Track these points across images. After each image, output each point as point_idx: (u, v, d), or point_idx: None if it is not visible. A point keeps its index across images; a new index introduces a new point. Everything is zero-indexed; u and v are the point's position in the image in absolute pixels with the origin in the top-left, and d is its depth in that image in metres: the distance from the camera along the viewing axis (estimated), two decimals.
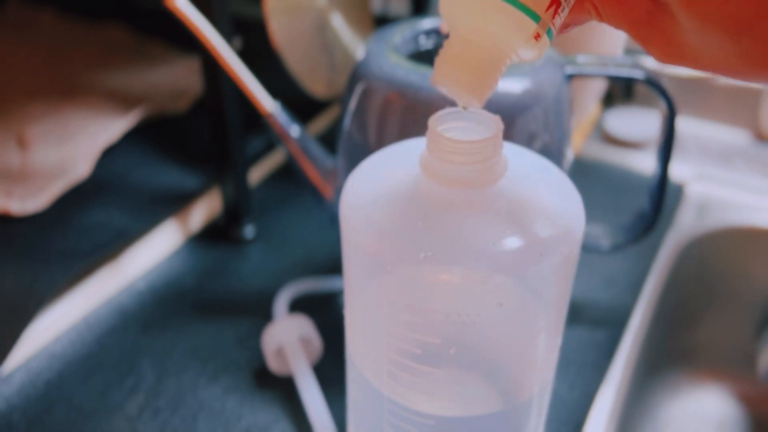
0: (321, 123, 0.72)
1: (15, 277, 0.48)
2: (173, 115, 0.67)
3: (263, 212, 0.62)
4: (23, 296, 0.47)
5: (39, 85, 0.68)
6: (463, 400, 0.31)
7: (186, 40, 0.57)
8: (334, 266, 0.56)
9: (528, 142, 0.41)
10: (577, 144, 0.73)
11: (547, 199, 0.30)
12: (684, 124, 0.77)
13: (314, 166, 0.47)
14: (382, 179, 0.31)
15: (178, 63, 0.74)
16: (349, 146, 0.44)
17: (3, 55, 0.74)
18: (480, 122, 0.29)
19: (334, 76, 0.66)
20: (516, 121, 0.40)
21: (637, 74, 0.43)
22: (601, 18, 0.26)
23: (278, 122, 0.47)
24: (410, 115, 0.40)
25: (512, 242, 0.27)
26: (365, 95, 0.42)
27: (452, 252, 0.27)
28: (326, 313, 0.51)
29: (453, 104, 0.29)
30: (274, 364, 0.46)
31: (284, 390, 0.46)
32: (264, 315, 0.51)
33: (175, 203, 0.57)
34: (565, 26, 0.26)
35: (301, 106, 0.65)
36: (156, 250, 0.56)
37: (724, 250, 0.63)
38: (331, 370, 0.46)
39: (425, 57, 0.46)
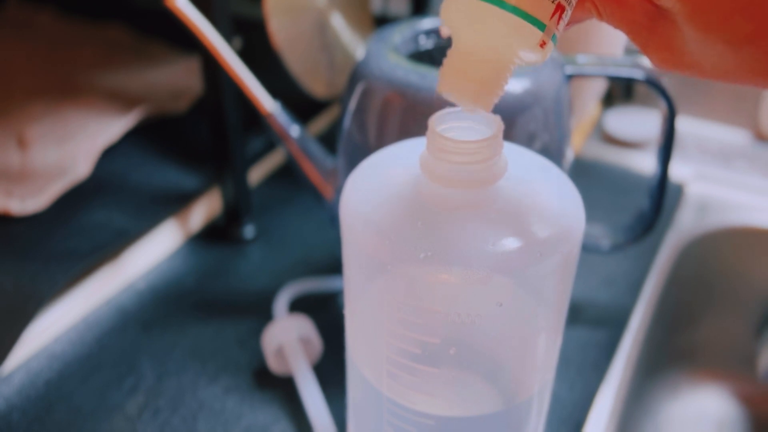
0: (321, 123, 0.72)
1: (15, 277, 0.48)
2: (173, 115, 0.67)
3: (263, 212, 0.62)
4: (23, 296, 0.47)
5: (39, 85, 0.68)
6: (463, 400, 0.31)
7: (186, 40, 0.57)
8: (334, 266, 0.56)
9: (528, 142, 0.41)
10: (577, 144, 0.73)
11: (547, 199, 0.30)
12: (684, 124, 0.77)
13: (314, 166, 0.47)
14: (382, 179, 0.31)
15: (178, 63, 0.74)
16: (349, 146, 0.44)
17: (3, 55, 0.74)
18: (480, 122, 0.29)
19: (334, 76, 0.66)
20: (516, 121, 0.40)
21: (637, 74, 0.43)
22: (601, 17, 0.26)
23: (278, 122, 0.47)
24: (410, 115, 0.40)
25: (512, 242, 0.27)
26: (365, 95, 0.42)
27: (452, 252, 0.27)
28: (326, 313, 0.51)
29: (453, 104, 0.29)
30: (274, 364, 0.46)
31: (284, 390, 0.46)
32: (264, 315, 0.51)
33: (175, 203, 0.57)
34: (566, 24, 0.26)
35: (301, 106, 0.65)
36: (156, 250, 0.56)
37: (724, 250, 0.63)
38: (331, 370, 0.46)
39: (425, 57, 0.46)
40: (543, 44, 0.25)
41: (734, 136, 0.75)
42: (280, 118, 0.47)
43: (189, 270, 0.56)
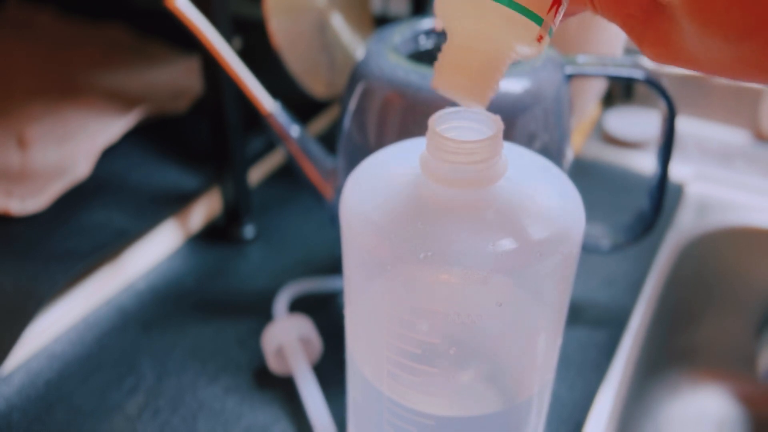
0: (321, 123, 0.72)
1: (15, 277, 0.48)
2: (173, 115, 0.67)
3: (263, 212, 0.62)
4: (23, 296, 0.47)
5: (39, 85, 0.68)
6: (463, 400, 0.31)
7: (186, 40, 0.57)
8: (334, 266, 0.56)
9: (528, 142, 0.41)
10: (577, 144, 0.73)
11: (547, 199, 0.30)
12: (684, 124, 0.77)
13: (314, 166, 0.47)
14: (382, 179, 0.31)
15: (178, 63, 0.74)
16: (349, 146, 0.44)
17: (3, 55, 0.74)
18: (480, 122, 0.29)
19: (334, 76, 0.66)
20: (516, 121, 0.40)
21: (637, 74, 0.43)
22: (596, 10, 0.25)
23: (278, 122, 0.47)
24: (410, 115, 0.40)
25: (512, 242, 0.27)
26: (365, 95, 0.42)
27: (452, 252, 0.27)
28: (326, 313, 0.51)
29: (453, 104, 0.29)
30: (274, 364, 0.46)
31: (284, 390, 0.46)
32: (264, 315, 0.51)
33: (175, 203, 0.57)
34: (561, 18, 0.26)
35: (301, 106, 0.65)
36: (156, 250, 0.56)
37: (724, 250, 0.63)
38: (331, 370, 0.46)
39: (425, 57, 0.46)
40: (540, 38, 0.24)
41: (734, 136, 0.75)
42: (280, 118, 0.47)
43: (189, 270, 0.56)
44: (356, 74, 0.43)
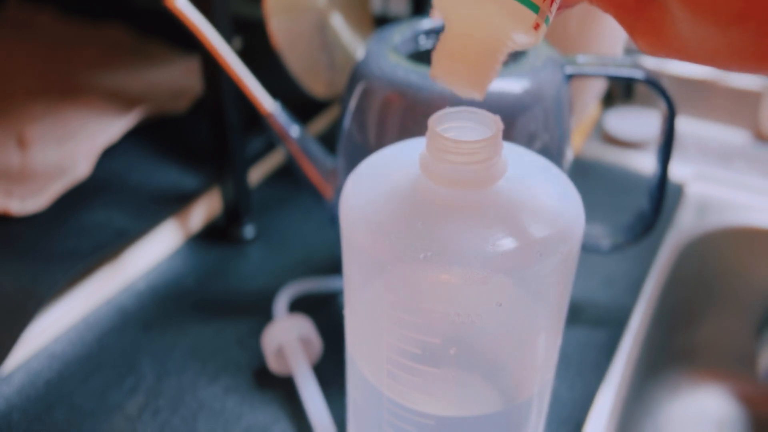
0: (321, 123, 0.72)
1: (15, 277, 0.48)
2: (173, 115, 0.67)
3: (263, 212, 0.62)
4: (23, 296, 0.47)
5: (39, 85, 0.68)
6: (463, 400, 0.31)
7: (186, 40, 0.57)
8: (334, 266, 0.56)
9: (528, 142, 0.41)
10: (577, 144, 0.73)
11: (547, 199, 0.30)
12: (684, 124, 0.77)
13: (314, 166, 0.47)
14: (382, 179, 0.31)
15: (178, 63, 0.74)
16: (349, 146, 0.44)
17: (3, 55, 0.74)
18: (480, 122, 0.29)
19: (334, 76, 0.66)
20: (516, 121, 0.40)
21: (637, 74, 0.43)
22: (590, 0, 0.25)
23: (278, 122, 0.47)
24: (410, 115, 0.40)
25: (512, 242, 0.27)
26: (365, 95, 0.42)
27: (452, 252, 0.27)
28: (326, 313, 0.51)
29: (453, 104, 0.29)
30: (274, 364, 0.46)
31: (284, 390, 0.46)
32: (264, 315, 0.51)
33: (175, 203, 0.57)
34: (557, 8, 0.26)
35: (301, 106, 0.65)
36: (156, 250, 0.56)
37: (724, 250, 0.63)
38: (331, 370, 0.46)
39: (425, 57, 0.46)
40: (537, 26, 0.24)
41: (734, 136, 0.75)
42: (280, 118, 0.47)
43: (189, 270, 0.56)
44: (356, 74, 0.43)
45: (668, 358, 0.65)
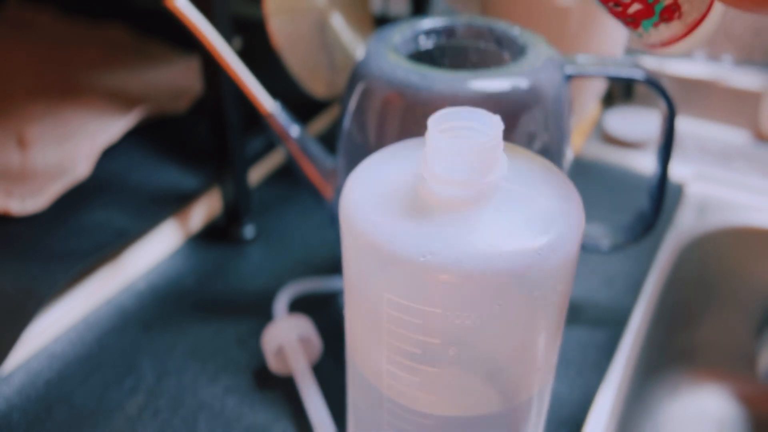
0: (321, 123, 0.72)
1: (15, 277, 0.48)
2: (173, 115, 0.67)
3: (263, 212, 0.62)
4: (23, 296, 0.47)
5: (39, 85, 0.68)
6: (463, 400, 0.31)
7: (186, 40, 0.57)
8: (334, 266, 0.56)
9: (528, 142, 0.41)
10: (577, 144, 0.73)
11: (547, 199, 0.30)
12: (684, 124, 0.77)
13: (314, 166, 0.47)
14: (382, 179, 0.31)
15: (178, 63, 0.74)
16: (349, 146, 0.44)
17: (3, 55, 0.74)
18: (480, 122, 0.29)
19: (334, 76, 0.66)
20: (516, 121, 0.40)
21: (637, 74, 0.43)
22: None
23: (278, 122, 0.47)
24: (410, 115, 0.40)
25: (512, 243, 0.27)
26: (365, 95, 0.42)
27: (452, 252, 0.27)
28: (326, 313, 0.51)
29: (453, 104, 0.29)
30: (274, 364, 0.46)
31: (284, 390, 0.46)
32: (264, 315, 0.51)
33: (175, 203, 0.57)
34: None
35: (301, 106, 0.65)
36: (156, 250, 0.56)
37: (724, 250, 0.63)
38: (331, 370, 0.46)
39: (425, 57, 0.46)
40: None
41: (734, 136, 0.75)
42: (280, 118, 0.47)
43: (189, 270, 0.56)
44: (356, 74, 0.43)
45: (668, 357, 0.65)
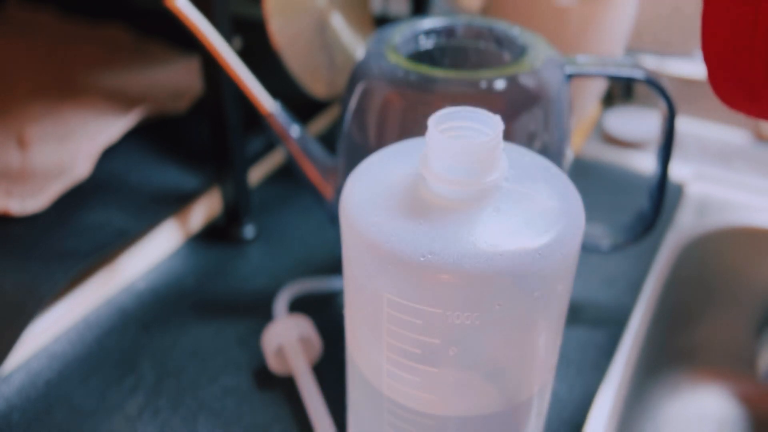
0: (321, 123, 0.72)
1: (15, 277, 0.48)
2: (173, 115, 0.67)
3: (263, 212, 0.62)
4: (23, 296, 0.47)
5: (39, 85, 0.68)
6: (462, 400, 0.31)
7: (186, 40, 0.57)
8: (334, 266, 0.56)
9: (528, 142, 0.41)
10: (577, 144, 0.73)
11: (547, 199, 0.30)
12: (684, 124, 0.77)
13: (314, 166, 0.47)
14: (382, 179, 0.31)
15: (178, 63, 0.74)
16: (349, 146, 0.44)
17: (3, 55, 0.74)
18: (480, 122, 0.29)
19: (334, 76, 0.66)
20: (516, 121, 0.40)
21: (637, 74, 0.43)
22: None
23: (278, 122, 0.47)
24: (410, 115, 0.40)
25: (512, 242, 0.27)
26: (365, 95, 0.42)
27: (452, 252, 0.27)
28: (326, 313, 0.51)
29: (453, 104, 0.29)
30: (274, 364, 0.46)
31: (284, 390, 0.46)
32: (264, 315, 0.51)
33: (175, 203, 0.57)
34: None
35: (301, 106, 0.65)
36: (156, 250, 0.56)
37: (724, 250, 0.63)
38: (331, 370, 0.46)
39: (425, 57, 0.46)
40: None
41: (734, 136, 0.75)
42: (280, 118, 0.47)
43: (189, 270, 0.56)
44: (356, 74, 0.43)
45: (668, 357, 0.65)
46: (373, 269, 0.29)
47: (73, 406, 0.44)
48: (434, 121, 0.29)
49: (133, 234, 0.54)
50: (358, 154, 0.42)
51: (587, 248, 0.49)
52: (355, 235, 0.29)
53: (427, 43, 0.46)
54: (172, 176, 0.60)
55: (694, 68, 0.77)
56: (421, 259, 0.27)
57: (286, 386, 0.46)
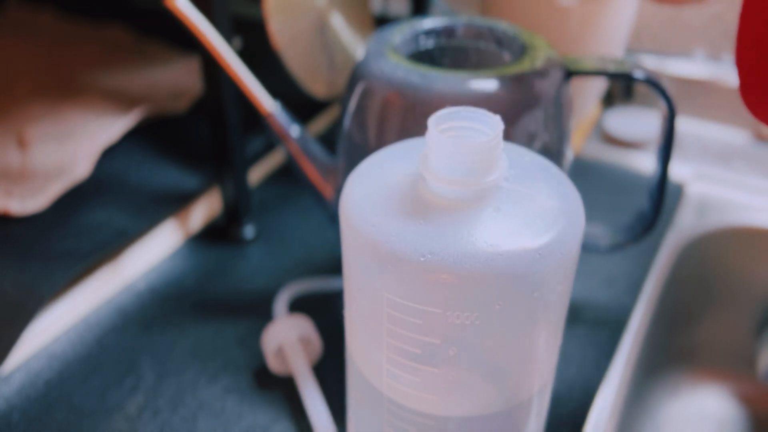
0: (321, 123, 0.72)
1: (15, 277, 0.48)
2: (173, 115, 0.67)
3: (263, 212, 0.62)
4: (23, 296, 0.47)
5: (39, 85, 0.68)
6: (463, 400, 0.31)
7: (186, 40, 0.57)
8: (334, 266, 0.56)
9: (528, 142, 0.41)
10: (577, 144, 0.73)
11: (547, 199, 0.30)
12: (684, 124, 0.77)
13: (314, 166, 0.47)
14: (382, 179, 0.31)
15: (178, 63, 0.74)
16: (349, 146, 0.44)
17: (3, 55, 0.74)
18: (480, 122, 0.29)
19: (334, 76, 0.66)
20: (516, 121, 0.40)
21: (637, 74, 0.43)
22: None
23: (278, 122, 0.47)
24: (410, 115, 0.40)
25: (512, 242, 0.27)
26: (365, 95, 0.42)
27: (452, 252, 0.27)
28: (326, 313, 0.51)
29: (453, 104, 0.29)
30: (274, 364, 0.46)
31: (284, 390, 0.46)
32: (264, 315, 0.51)
33: (175, 203, 0.57)
34: None
35: (301, 106, 0.65)
36: (156, 250, 0.56)
37: (724, 250, 0.63)
38: (331, 370, 0.46)
39: (425, 57, 0.46)
40: None
41: (734, 136, 0.75)
42: (280, 118, 0.47)
43: (189, 270, 0.56)
44: (356, 74, 0.43)
45: (668, 357, 0.65)
46: (373, 269, 0.29)
47: (73, 406, 0.44)
48: (434, 121, 0.29)
49: (133, 234, 0.54)
50: (358, 154, 0.42)
51: (587, 248, 0.49)
52: (355, 235, 0.29)
53: (427, 43, 0.46)
54: (172, 176, 0.60)
55: (694, 68, 0.77)
56: (421, 259, 0.27)
57: (286, 386, 0.46)
